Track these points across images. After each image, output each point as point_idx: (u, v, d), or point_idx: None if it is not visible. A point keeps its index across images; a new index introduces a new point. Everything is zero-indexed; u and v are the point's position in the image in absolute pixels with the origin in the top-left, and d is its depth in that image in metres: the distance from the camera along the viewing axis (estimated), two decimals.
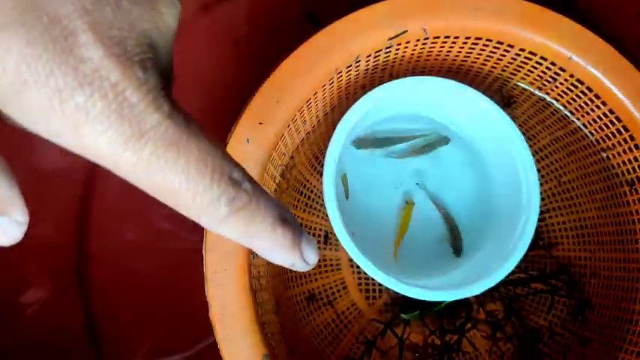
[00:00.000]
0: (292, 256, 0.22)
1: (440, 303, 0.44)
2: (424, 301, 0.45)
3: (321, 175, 0.47)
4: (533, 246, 0.48)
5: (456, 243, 0.45)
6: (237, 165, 0.20)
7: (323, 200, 0.48)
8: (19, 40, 0.15)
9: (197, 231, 0.50)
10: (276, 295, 0.42)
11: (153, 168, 0.17)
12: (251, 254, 0.37)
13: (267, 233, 0.20)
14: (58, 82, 0.15)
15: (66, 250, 0.50)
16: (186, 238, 0.51)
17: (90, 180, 0.50)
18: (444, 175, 0.48)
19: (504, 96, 0.47)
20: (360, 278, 0.48)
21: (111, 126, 0.16)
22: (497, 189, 0.45)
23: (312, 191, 0.48)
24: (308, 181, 0.47)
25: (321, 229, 0.48)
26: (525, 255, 0.47)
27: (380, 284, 0.48)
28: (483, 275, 0.39)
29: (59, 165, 0.51)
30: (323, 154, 0.47)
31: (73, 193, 0.50)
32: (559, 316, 0.47)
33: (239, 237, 0.20)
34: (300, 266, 0.23)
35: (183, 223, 0.50)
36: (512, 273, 0.47)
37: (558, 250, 0.49)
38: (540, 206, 0.42)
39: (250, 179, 0.20)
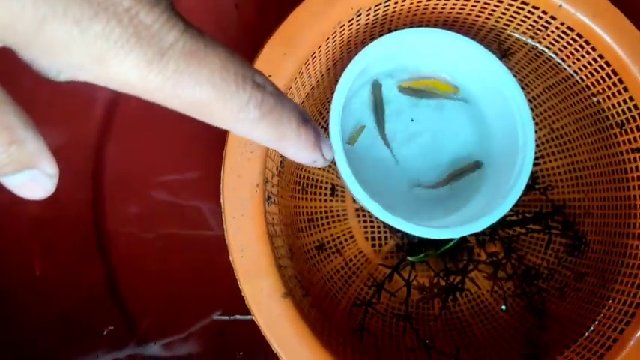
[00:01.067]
0: (314, 153, 0.23)
1: (444, 244, 0.46)
2: (428, 244, 0.47)
3: (325, 130, 0.49)
4: (529, 190, 0.51)
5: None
6: (257, 69, 0.20)
7: None
8: None
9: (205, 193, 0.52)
10: (289, 242, 0.44)
11: (179, 84, 0.18)
12: (265, 201, 0.39)
13: (294, 134, 0.22)
14: (75, 12, 0.15)
15: (82, 212, 0.51)
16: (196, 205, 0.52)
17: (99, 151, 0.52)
18: (445, 123, 0.50)
19: (500, 47, 0.49)
20: (366, 227, 0.50)
21: (132, 50, 0.16)
22: (494, 135, 0.47)
23: None
24: None
25: (327, 183, 0.50)
26: (522, 199, 0.50)
27: (386, 232, 0.50)
28: (486, 213, 0.41)
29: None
30: (327, 110, 0.49)
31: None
32: (556, 254, 0.49)
33: (270, 139, 0.21)
34: (320, 162, 0.25)
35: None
36: (510, 215, 0.50)
37: (553, 193, 0.51)
38: (535, 152, 0.44)
39: (271, 82, 0.20)
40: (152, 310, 0.51)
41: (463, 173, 0.47)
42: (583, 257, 0.49)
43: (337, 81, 0.42)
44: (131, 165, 0.52)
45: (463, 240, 0.49)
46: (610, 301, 0.45)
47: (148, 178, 0.52)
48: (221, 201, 0.38)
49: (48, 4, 0.15)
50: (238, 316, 0.51)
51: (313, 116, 0.49)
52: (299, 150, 0.23)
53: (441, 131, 0.49)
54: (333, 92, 0.41)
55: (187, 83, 0.18)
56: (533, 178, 0.51)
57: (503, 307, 0.48)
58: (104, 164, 0.52)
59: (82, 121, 0.51)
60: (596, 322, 0.44)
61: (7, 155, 0.17)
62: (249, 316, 0.50)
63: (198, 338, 0.51)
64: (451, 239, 0.47)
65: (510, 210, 0.45)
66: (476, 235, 0.50)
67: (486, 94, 0.47)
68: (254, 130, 0.20)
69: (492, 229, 0.50)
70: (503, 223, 0.49)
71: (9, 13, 0.15)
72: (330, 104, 0.40)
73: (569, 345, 0.44)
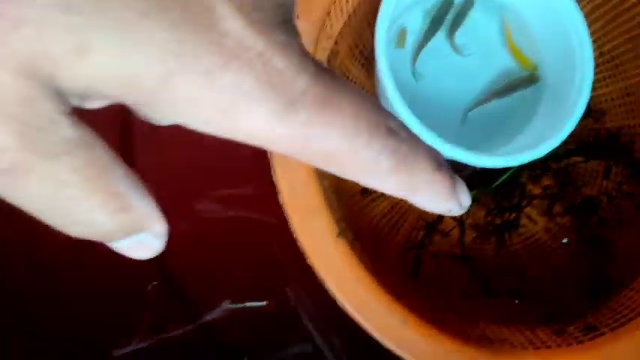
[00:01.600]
0: (450, 202, 0.20)
1: (497, 178, 0.43)
2: (480, 181, 0.45)
3: (362, 65, 0.46)
4: (582, 117, 0.48)
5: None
6: (390, 113, 0.18)
7: (367, 92, 0.47)
8: (161, 26, 0.13)
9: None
10: (334, 186, 0.41)
11: (309, 136, 0.16)
12: None
13: (429, 183, 0.19)
14: (205, 63, 0.14)
15: None
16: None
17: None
18: (492, 44, 0.47)
19: None
20: None
21: (263, 100, 0.15)
22: (547, 54, 0.44)
23: (354, 82, 0.46)
24: (350, 71, 0.46)
25: None
26: (574, 129, 0.47)
27: None
28: (545, 138, 0.38)
29: None
30: (364, 44, 0.46)
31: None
32: (614, 184, 0.46)
33: (402, 190, 0.19)
34: (456, 211, 0.21)
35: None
36: (564, 145, 0.47)
37: (606, 121, 0.48)
38: None
39: (403, 125, 0.18)
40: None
41: (516, 86, 0.44)
42: None
43: (375, 10, 0.39)
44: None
45: (515, 176, 0.46)
46: None
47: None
48: None
49: (176, 55, 0.13)
50: (248, 304, 0.48)
51: (351, 50, 0.45)
52: (433, 199, 0.20)
53: (484, 52, 0.46)
54: (370, 23, 0.38)
55: (317, 135, 0.16)
56: (587, 106, 0.48)
57: (565, 240, 0.46)
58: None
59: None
60: None
61: (118, 223, 0.16)
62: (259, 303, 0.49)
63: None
64: (503, 173, 0.44)
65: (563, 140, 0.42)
66: (528, 169, 0.47)
67: (536, 11, 0.43)
68: (385, 181, 0.18)
69: (544, 163, 0.47)
70: (557, 154, 0.46)
71: (132, 69, 0.13)
72: (367, 37, 0.37)
73: (635, 277, 0.42)
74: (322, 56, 0.40)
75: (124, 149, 0.49)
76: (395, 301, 0.36)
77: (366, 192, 0.46)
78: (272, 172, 0.35)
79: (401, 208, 0.47)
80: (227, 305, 0.48)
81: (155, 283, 0.48)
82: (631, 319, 0.39)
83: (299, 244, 0.35)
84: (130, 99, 0.14)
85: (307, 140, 0.16)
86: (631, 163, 0.46)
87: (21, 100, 0.13)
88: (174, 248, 0.48)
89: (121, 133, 0.49)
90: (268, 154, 0.35)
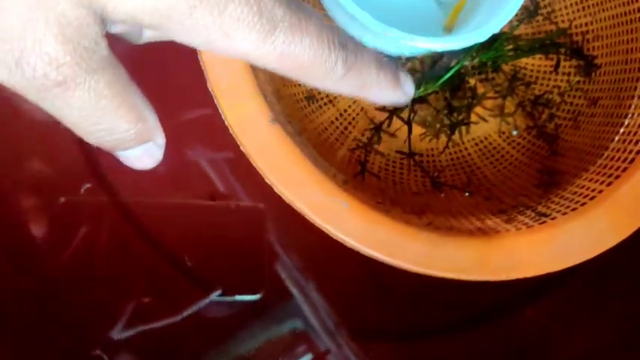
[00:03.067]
0: (395, 92, 0.26)
1: (443, 76, 0.42)
2: (426, 79, 0.44)
3: None
4: (530, 17, 0.47)
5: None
6: (339, 30, 0.22)
7: None
8: None
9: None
10: (274, 86, 0.40)
11: (285, 52, 0.20)
12: None
13: (374, 80, 0.24)
14: None
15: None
16: None
17: None
18: None
19: None
20: None
21: (254, 26, 0.19)
22: None
23: None
24: None
25: None
26: (525, 29, 0.46)
27: None
28: (490, 20, 0.37)
29: None
30: None
31: None
32: (566, 80, 0.46)
33: (353, 90, 0.24)
34: (403, 100, 0.27)
35: None
36: (515, 45, 0.46)
37: (557, 21, 0.47)
38: None
39: (351, 39, 0.23)
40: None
41: None
42: (595, 82, 0.45)
43: None
44: None
45: (464, 79, 0.45)
46: (627, 119, 0.42)
47: None
48: None
49: None
50: (238, 297, 0.48)
51: None
52: (380, 93, 0.25)
53: None
54: None
55: (292, 51, 0.20)
56: (536, 4, 0.47)
57: (515, 132, 0.45)
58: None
59: None
60: (616, 141, 0.41)
61: (135, 132, 0.20)
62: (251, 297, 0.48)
63: None
64: (449, 70, 0.43)
65: (513, 42, 0.41)
66: (478, 73, 0.46)
67: None
68: (340, 84, 0.23)
69: (495, 64, 0.46)
70: (507, 55, 0.45)
71: (166, 3, 0.18)
72: None
73: (587, 167, 0.41)
74: None
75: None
76: (336, 187, 0.34)
77: (311, 98, 0.44)
78: (199, 58, 0.34)
79: (349, 115, 0.45)
80: (215, 297, 0.48)
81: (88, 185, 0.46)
82: (583, 204, 0.38)
83: (231, 131, 0.34)
84: (158, 25, 0.18)
85: (283, 56, 0.20)
86: (582, 58, 0.45)
87: (77, 25, 0.17)
88: (166, 235, 0.47)
89: None
90: (197, 52, 0.34)
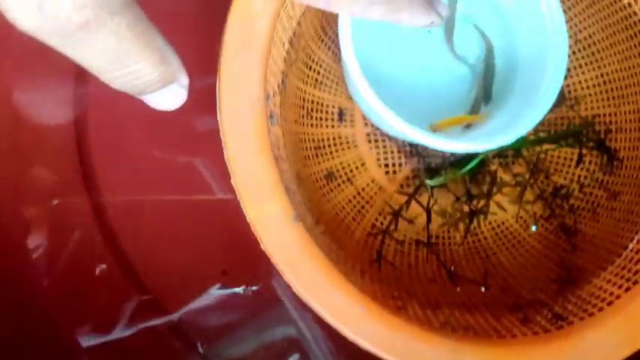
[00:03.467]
0: (429, 14, 0.25)
1: (465, 166, 0.42)
2: (448, 167, 0.43)
3: (329, 48, 0.45)
4: (556, 106, 0.47)
5: (486, 88, 0.43)
6: None
7: (334, 76, 0.46)
8: None
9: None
10: (295, 169, 0.40)
11: None
12: (268, 118, 0.35)
13: (406, 2, 0.24)
14: None
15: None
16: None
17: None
18: (464, 28, 0.45)
19: None
20: (378, 153, 0.46)
21: None
22: (521, 37, 0.43)
23: (320, 66, 0.45)
24: (316, 54, 0.44)
25: (334, 107, 0.46)
26: (548, 116, 0.45)
27: (400, 157, 0.46)
28: (514, 124, 0.37)
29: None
30: (329, 24, 0.45)
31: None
32: (586, 173, 0.45)
33: (383, 14, 0.23)
34: (437, 21, 0.26)
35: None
36: (536, 133, 0.46)
37: (581, 109, 0.47)
38: None
39: None
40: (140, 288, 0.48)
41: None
42: (616, 175, 0.45)
43: None
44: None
45: (484, 163, 0.45)
46: None
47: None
48: (218, 118, 0.34)
49: None
50: (236, 289, 0.48)
51: (316, 31, 0.44)
52: (413, 15, 0.24)
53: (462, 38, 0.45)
54: None
55: None
56: (561, 93, 0.47)
57: (534, 227, 0.44)
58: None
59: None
60: (634, 241, 0.41)
61: (159, 73, 0.20)
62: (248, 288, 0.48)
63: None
64: (472, 159, 0.42)
65: (536, 127, 0.40)
66: (499, 156, 0.46)
67: None
68: (369, 9, 0.22)
69: (516, 150, 0.46)
70: (529, 141, 0.45)
71: None
72: (334, 19, 0.35)
73: (605, 267, 0.41)
74: (284, 37, 0.38)
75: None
76: (355, 289, 0.34)
77: (330, 177, 0.44)
78: (224, 155, 0.34)
79: (367, 193, 0.45)
80: (215, 290, 0.48)
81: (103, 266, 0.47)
82: (601, 309, 0.38)
83: (252, 229, 0.33)
84: None
85: None
86: (605, 152, 0.45)
87: None
88: (157, 234, 0.48)
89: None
90: (221, 134, 0.34)
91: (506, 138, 0.37)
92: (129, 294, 0.48)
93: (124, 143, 0.49)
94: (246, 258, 0.48)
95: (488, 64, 0.43)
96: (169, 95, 0.21)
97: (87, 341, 0.48)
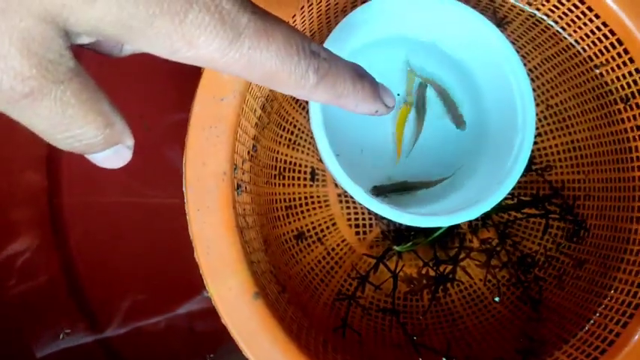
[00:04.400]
0: (374, 104, 0.26)
1: (433, 233, 0.42)
2: (416, 233, 0.44)
3: (304, 108, 0.45)
4: (526, 170, 0.47)
5: (456, 116, 0.43)
6: (310, 39, 0.22)
7: (308, 136, 0.46)
8: None
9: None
10: (263, 233, 0.40)
11: (252, 60, 0.20)
12: (234, 191, 0.35)
13: (350, 90, 0.24)
14: (176, 7, 0.19)
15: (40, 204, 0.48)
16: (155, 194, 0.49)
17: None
18: (433, 99, 0.46)
19: (495, 14, 0.44)
20: (349, 213, 0.46)
21: (217, 33, 0.19)
22: (490, 111, 0.43)
23: (295, 126, 0.45)
24: (290, 115, 0.45)
25: (306, 166, 0.46)
26: (518, 181, 0.46)
27: (370, 218, 0.46)
28: (480, 199, 0.38)
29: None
30: None
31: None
32: (554, 240, 0.46)
33: (329, 99, 0.24)
34: (382, 111, 0.27)
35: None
36: (505, 199, 0.46)
37: (551, 174, 0.47)
38: None
39: (324, 48, 0.23)
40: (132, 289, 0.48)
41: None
42: (583, 243, 0.45)
43: None
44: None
45: (454, 226, 0.46)
46: (612, 291, 0.42)
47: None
48: (184, 191, 0.34)
49: (156, 3, 0.18)
50: None
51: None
52: (359, 103, 0.25)
53: (432, 110, 0.45)
54: None
55: (258, 58, 0.21)
56: (530, 157, 0.47)
57: (497, 298, 0.45)
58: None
59: None
60: (598, 315, 0.41)
61: (103, 136, 0.20)
62: None
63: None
64: (440, 227, 0.43)
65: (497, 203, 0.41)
66: (468, 220, 0.46)
67: (483, 66, 0.42)
68: (314, 93, 0.23)
69: (486, 214, 0.46)
70: (497, 207, 0.45)
71: (126, 15, 0.18)
72: None
73: (567, 339, 0.41)
74: (255, 105, 0.38)
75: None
76: None
77: (300, 237, 0.45)
78: (189, 229, 0.34)
79: (337, 254, 0.46)
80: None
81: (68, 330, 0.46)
82: None
83: (214, 304, 0.34)
84: (120, 36, 0.19)
85: (250, 63, 0.20)
86: (572, 221, 0.45)
87: (41, 39, 0.18)
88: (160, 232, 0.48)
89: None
90: (186, 207, 0.34)
91: (470, 214, 0.37)
92: (126, 291, 0.48)
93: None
94: None
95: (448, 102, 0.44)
96: (113, 156, 0.22)
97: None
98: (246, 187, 0.38)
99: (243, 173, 0.37)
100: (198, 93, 0.34)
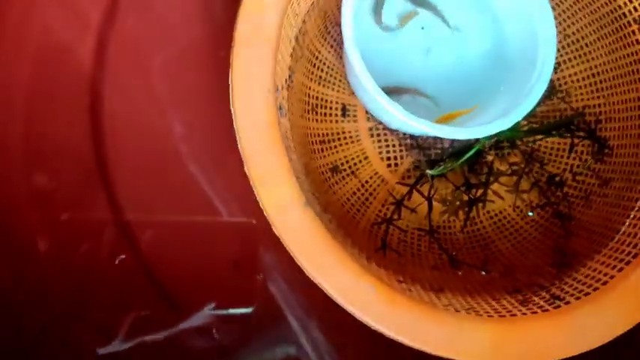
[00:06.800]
0: None
1: (464, 156, 0.44)
2: (447, 157, 0.45)
3: (332, 47, 0.47)
4: (546, 98, 0.49)
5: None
6: None
7: (337, 73, 0.48)
8: None
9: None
10: (303, 161, 0.42)
11: None
12: (278, 110, 0.37)
13: None
14: None
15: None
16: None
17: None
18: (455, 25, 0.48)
19: None
20: (380, 147, 0.48)
21: None
22: (511, 38, 0.45)
23: (324, 64, 0.47)
24: (320, 52, 0.46)
25: (337, 102, 0.48)
26: (539, 109, 0.47)
27: (401, 150, 0.48)
28: (507, 113, 0.39)
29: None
30: (332, 24, 0.47)
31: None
32: (579, 161, 0.47)
33: None
34: None
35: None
36: (529, 124, 0.48)
37: (572, 101, 0.49)
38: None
39: None
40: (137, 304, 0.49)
41: None
42: (607, 163, 0.47)
43: None
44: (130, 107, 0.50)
45: (481, 154, 0.47)
46: (639, 203, 0.43)
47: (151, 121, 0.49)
48: (231, 108, 0.35)
49: None
50: (232, 310, 0.49)
51: (319, 30, 0.46)
52: None
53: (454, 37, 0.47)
54: (338, 5, 0.39)
55: None
56: (551, 86, 0.49)
57: (530, 213, 0.46)
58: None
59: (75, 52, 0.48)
60: (627, 225, 0.43)
61: None
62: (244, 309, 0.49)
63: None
64: (470, 149, 0.44)
65: (528, 119, 0.42)
66: (495, 148, 0.48)
67: None
68: None
69: (511, 142, 0.48)
70: (522, 132, 0.47)
71: None
72: (336, 19, 0.37)
73: (600, 250, 0.43)
74: (290, 34, 0.40)
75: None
76: (363, 270, 0.36)
77: (335, 170, 0.46)
78: (238, 144, 0.35)
79: (370, 186, 0.47)
80: (210, 310, 0.48)
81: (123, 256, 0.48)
82: (596, 289, 0.39)
83: (264, 212, 0.35)
84: None
85: None
86: (595, 141, 0.47)
87: None
88: (159, 252, 0.48)
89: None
90: (234, 123, 0.36)
91: (503, 124, 0.39)
92: (129, 308, 0.48)
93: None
94: (241, 281, 0.49)
95: None
96: None
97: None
98: (286, 112, 0.39)
99: (282, 98, 0.39)
100: (241, 12, 0.35)
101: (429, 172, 0.44)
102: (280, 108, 0.38)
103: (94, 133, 0.49)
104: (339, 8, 0.44)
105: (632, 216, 0.43)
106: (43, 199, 0.49)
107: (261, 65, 0.36)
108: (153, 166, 0.49)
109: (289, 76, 0.41)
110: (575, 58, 0.49)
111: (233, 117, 0.35)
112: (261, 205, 0.35)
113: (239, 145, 0.35)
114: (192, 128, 0.50)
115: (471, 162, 0.46)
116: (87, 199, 0.49)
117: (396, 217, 0.44)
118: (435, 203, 0.45)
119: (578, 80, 0.49)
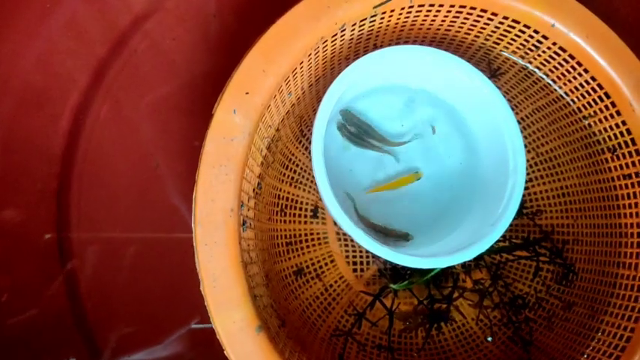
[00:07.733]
0: None
1: (429, 272, 0.44)
2: (412, 272, 0.45)
3: (307, 149, 0.47)
4: (517, 214, 0.49)
5: None
6: None
7: (310, 175, 0.48)
8: None
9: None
10: (265, 269, 0.42)
11: None
12: (240, 227, 0.37)
13: None
14: None
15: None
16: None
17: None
18: (429, 144, 0.48)
19: (489, 66, 0.47)
20: (347, 251, 0.48)
21: None
22: (483, 157, 0.45)
23: (297, 165, 0.47)
24: (294, 155, 0.46)
25: (308, 203, 0.48)
26: (510, 224, 0.47)
27: (368, 257, 0.48)
28: (475, 240, 0.39)
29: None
30: (308, 128, 0.47)
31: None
32: (543, 283, 0.47)
33: None
34: None
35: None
36: (497, 242, 0.48)
37: (541, 218, 0.49)
38: None
39: None
40: (123, 321, 0.49)
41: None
42: (572, 286, 0.47)
43: (319, 98, 0.40)
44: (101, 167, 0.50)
45: (448, 266, 0.47)
46: (600, 334, 0.43)
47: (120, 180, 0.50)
48: (192, 226, 0.35)
49: None
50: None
51: (294, 134, 0.46)
52: None
53: (428, 154, 0.47)
54: (315, 110, 0.39)
55: None
56: (521, 202, 0.49)
57: (489, 338, 0.46)
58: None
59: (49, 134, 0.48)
60: (585, 356, 0.43)
61: None
62: None
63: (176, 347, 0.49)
64: (435, 268, 0.44)
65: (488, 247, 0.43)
66: (464, 262, 0.48)
67: (475, 115, 0.45)
68: None
69: (479, 256, 0.48)
70: (490, 249, 0.47)
71: None
72: (312, 122, 0.38)
73: None
74: (262, 145, 0.40)
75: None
76: None
77: (300, 273, 0.46)
78: (196, 263, 0.35)
79: (334, 290, 0.47)
80: (192, 325, 0.48)
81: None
82: None
83: (217, 336, 0.35)
84: None
85: None
86: (561, 264, 0.47)
87: None
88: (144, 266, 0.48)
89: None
90: (194, 241, 0.35)
91: (465, 256, 0.39)
92: (115, 325, 0.49)
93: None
94: None
95: None
96: None
97: None
98: (250, 224, 0.39)
99: (248, 210, 0.39)
100: (210, 133, 0.35)
101: (392, 286, 0.44)
102: (244, 222, 0.38)
103: None
104: (314, 111, 0.45)
105: (591, 347, 0.43)
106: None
107: (225, 186, 0.36)
108: None
109: (258, 184, 0.41)
110: (546, 175, 0.49)
111: (193, 237, 0.35)
112: (214, 327, 0.35)
113: (197, 265, 0.35)
114: None
115: (436, 274, 0.46)
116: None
117: (356, 329, 0.44)
118: (396, 320, 0.45)
119: (548, 198, 0.49)
